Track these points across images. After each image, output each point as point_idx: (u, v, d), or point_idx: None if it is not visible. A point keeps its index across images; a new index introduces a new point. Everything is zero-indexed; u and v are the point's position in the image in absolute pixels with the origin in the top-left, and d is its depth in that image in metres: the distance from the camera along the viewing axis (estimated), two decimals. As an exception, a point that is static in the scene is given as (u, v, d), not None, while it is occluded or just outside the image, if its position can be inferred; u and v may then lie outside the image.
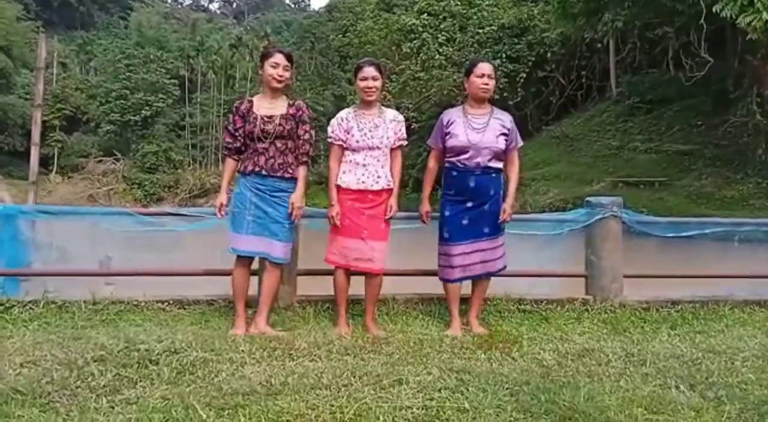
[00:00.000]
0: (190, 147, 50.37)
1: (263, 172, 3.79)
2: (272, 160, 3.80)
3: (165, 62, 50.72)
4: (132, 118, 46.87)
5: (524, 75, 28.93)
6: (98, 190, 45.18)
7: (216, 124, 50.94)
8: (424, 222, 4.21)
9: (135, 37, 53.94)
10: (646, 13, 21.18)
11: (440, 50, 28.36)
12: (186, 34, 58.26)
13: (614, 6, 20.68)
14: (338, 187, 3.96)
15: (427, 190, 4.21)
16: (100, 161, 47.79)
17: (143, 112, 46.93)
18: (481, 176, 4.00)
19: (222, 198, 3.90)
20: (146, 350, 3.17)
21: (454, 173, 4.04)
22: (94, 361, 3.01)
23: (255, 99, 3.92)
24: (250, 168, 3.81)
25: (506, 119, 4.13)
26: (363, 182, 3.91)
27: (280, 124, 3.80)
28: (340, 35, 40.79)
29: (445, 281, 4.12)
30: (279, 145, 3.82)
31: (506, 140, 4.06)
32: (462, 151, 3.98)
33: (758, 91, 20.65)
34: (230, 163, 3.96)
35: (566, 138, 28.31)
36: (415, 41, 28.97)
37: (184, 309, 4.28)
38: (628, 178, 24.27)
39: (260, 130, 3.78)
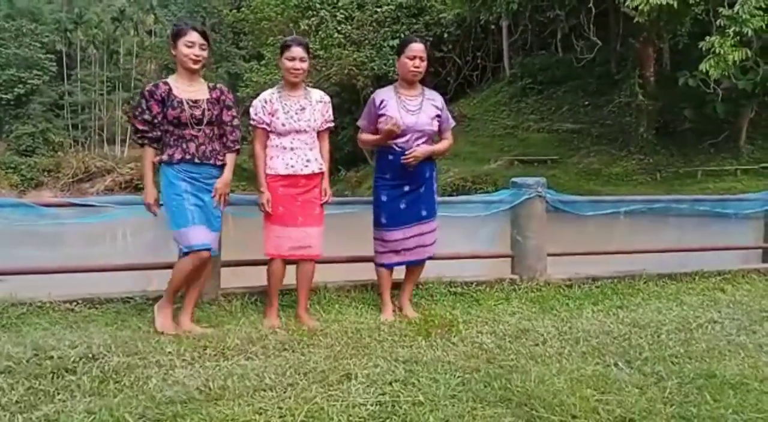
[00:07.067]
0: (71, 127, 47.21)
1: (195, 160, 3.47)
2: (203, 147, 3.50)
3: (39, 36, 46.98)
4: (3, 96, 43.42)
5: (422, 55, 29.20)
6: (-33, 175, 41.44)
7: (99, 102, 47.91)
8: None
9: (5, 8, 49.29)
10: (540, -5, 21.95)
11: (339, 28, 28.10)
12: (62, 6, 54.05)
13: (510, -12, 21.27)
14: (267, 174, 3.73)
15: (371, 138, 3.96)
16: (-32, 144, 43.95)
17: (16, 89, 43.51)
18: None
19: (151, 193, 3.53)
20: (59, 357, 2.84)
21: (390, 157, 3.89)
22: (1, 373, 2.66)
23: (170, 81, 3.53)
24: (178, 156, 3.44)
25: (438, 100, 4.03)
26: (292, 167, 3.71)
27: (208, 109, 3.50)
28: (234, 10, 39.11)
29: (380, 266, 4.00)
30: (207, 131, 3.51)
31: (439, 121, 3.98)
32: (398, 134, 3.83)
33: (640, 73, 22.04)
34: (149, 152, 3.52)
35: (464, 118, 28.95)
36: (313, 18, 28.49)
37: (96, 308, 3.88)
38: (522, 157, 25.33)
39: (189, 116, 3.44)
